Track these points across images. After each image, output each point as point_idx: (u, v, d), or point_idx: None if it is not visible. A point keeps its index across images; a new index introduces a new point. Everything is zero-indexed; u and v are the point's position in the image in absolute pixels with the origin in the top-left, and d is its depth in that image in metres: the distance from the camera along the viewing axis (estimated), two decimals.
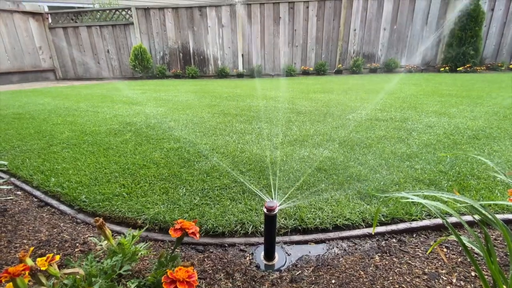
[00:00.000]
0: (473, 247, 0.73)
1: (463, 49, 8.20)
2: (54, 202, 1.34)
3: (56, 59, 9.77)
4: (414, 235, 1.06)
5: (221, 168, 1.61)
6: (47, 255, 0.60)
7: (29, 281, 0.53)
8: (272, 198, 1.21)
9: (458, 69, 8.29)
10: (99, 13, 9.38)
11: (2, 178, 1.62)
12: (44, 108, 3.71)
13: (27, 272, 0.52)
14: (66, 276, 0.57)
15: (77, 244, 0.94)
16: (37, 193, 1.44)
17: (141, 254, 0.70)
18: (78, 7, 10.25)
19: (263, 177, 1.47)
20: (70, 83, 8.28)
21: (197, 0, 13.05)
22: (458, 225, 1.09)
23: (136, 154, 1.89)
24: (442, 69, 8.74)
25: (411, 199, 0.90)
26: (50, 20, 9.40)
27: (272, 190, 1.29)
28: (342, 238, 1.00)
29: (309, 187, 1.34)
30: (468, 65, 8.15)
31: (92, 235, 1.01)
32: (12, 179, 1.62)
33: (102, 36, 9.46)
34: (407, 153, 1.80)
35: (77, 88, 6.50)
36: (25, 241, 0.94)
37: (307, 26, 9.18)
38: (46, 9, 9.45)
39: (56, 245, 0.93)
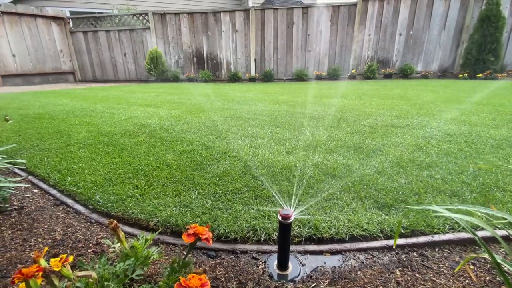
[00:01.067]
0: (505, 265, 0.68)
1: (483, 55, 7.92)
2: (69, 201, 1.36)
3: (76, 62, 10.15)
4: (437, 249, 1.00)
5: (234, 172, 1.60)
6: (61, 255, 0.60)
7: (42, 281, 0.53)
8: (286, 205, 1.18)
9: (477, 75, 8.00)
10: (117, 18, 9.70)
11: (21, 176, 1.67)
12: (63, 109, 3.83)
13: (40, 273, 0.51)
14: (79, 278, 0.56)
15: (90, 245, 0.94)
16: (54, 191, 1.47)
17: (153, 258, 0.68)
18: (98, 13, 10.65)
19: (275, 183, 1.44)
20: (88, 85, 8.56)
21: (212, 6, 13.29)
22: (487, 241, 1.02)
23: (150, 155, 1.91)
24: (461, 75, 8.47)
25: (442, 213, 0.84)
26: (71, 25, 9.80)
27: (286, 196, 1.26)
28: (360, 250, 0.96)
29: (324, 194, 1.29)
30: (488, 72, 7.85)
31: (105, 235, 1.02)
32: (30, 177, 1.66)
33: (120, 40, 9.76)
34: (426, 162, 1.73)
35: (94, 90, 6.71)
36: (40, 239, 0.95)
37: (321, 31, 9.14)
38: (68, 14, 9.86)
39: (70, 245, 0.93)
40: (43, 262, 0.56)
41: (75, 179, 1.54)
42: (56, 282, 0.53)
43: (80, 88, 7.34)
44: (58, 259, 0.60)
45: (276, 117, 3.14)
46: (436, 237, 1.02)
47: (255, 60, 9.57)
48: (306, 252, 0.95)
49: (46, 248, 0.61)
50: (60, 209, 1.29)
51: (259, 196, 1.29)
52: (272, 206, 1.19)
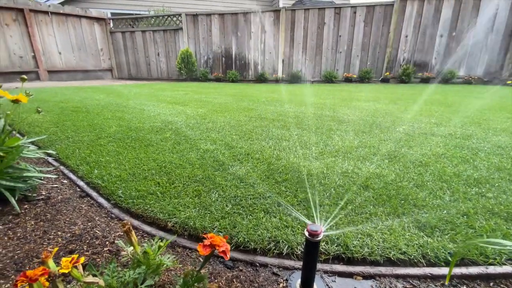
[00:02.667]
0: None
1: None
2: (94, 194, 1.38)
3: (114, 60, 10.78)
4: (491, 284, 0.84)
5: (256, 175, 1.52)
6: (72, 256, 0.57)
7: (48, 286, 0.49)
8: (311, 215, 1.08)
9: None
10: (153, 19, 10.14)
11: (53, 165, 1.74)
12: (98, 104, 4.04)
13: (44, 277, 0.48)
14: (85, 285, 0.53)
15: (107, 243, 0.92)
16: (81, 183, 1.51)
17: (166, 266, 0.63)
18: (136, 14, 11.22)
19: (300, 190, 1.34)
20: (123, 82, 9.04)
21: (243, 7, 13.40)
22: None
23: (174, 153, 1.90)
24: (510, 82, 7.64)
25: None
26: (111, 25, 10.43)
27: (311, 206, 1.16)
28: (397, 276, 0.83)
29: (355, 207, 1.17)
30: None
31: (122, 234, 1.00)
32: (61, 167, 1.73)
33: (154, 40, 10.19)
34: (474, 177, 1.52)
35: (128, 87, 7.05)
36: (59, 233, 0.95)
37: (353, 32, 8.78)
38: (109, 15, 10.51)
39: (87, 241, 0.92)
40: (51, 264, 0.53)
41: (101, 172, 1.57)
42: (61, 287, 0.50)
43: (116, 85, 7.76)
44: (69, 259, 0.57)
45: (303, 119, 3.02)
46: (491, 269, 0.86)
47: (283, 61, 9.45)
48: (334, 273, 0.84)
49: (56, 249, 0.59)
50: (85, 201, 1.31)
51: (282, 203, 1.20)
52: (296, 216, 1.10)
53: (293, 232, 0.99)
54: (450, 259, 0.89)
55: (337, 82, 8.97)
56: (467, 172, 1.59)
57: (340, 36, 8.89)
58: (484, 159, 1.81)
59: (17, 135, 2.39)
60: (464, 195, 1.31)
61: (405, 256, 0.89)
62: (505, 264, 0.88)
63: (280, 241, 0.94)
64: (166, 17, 9.93)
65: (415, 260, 0.88)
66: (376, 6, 8.40)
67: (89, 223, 1.05)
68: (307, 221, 1.04)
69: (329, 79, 8.88)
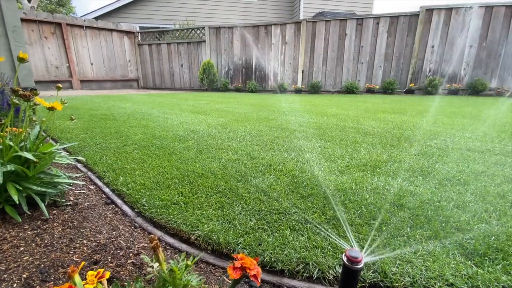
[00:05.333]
0: None
1: None
2: (118, 201, 1.39)
3: (140, 71, 11.32)
4: None
5: (280, 188, 1.47)
6: (98, 270, 0.54)
7: None
8: (342, 235, 1.01)
9: None
10: (178, 32, 10.60)
11: (82, 171, 1.79)
12: (125, 112, 4.21)
13: None
14: None
15: (131, 254, 0.90)
16: (107, 189, 1.53)
17: (192, 287, 0.59)
18: (162, 27, 11.80)
19: (328, 206, 1.26)
20: (148, 92, 9.42)
21: (264, 19, 13.69)
22: None
23: (196, 162, 1.90)
24: None
25: None
26: (139, 38, 11.02)
27: (341, 225, 1.08)
28: None
29: (390, 228, 1.08)
30: None
31: (146, 245, 0.98)
32: (89, 173, 1.77)
33: (178, 52, 10.62)
34: None
35: (153, 96, 7.32)
36: (85, 241, 0.95)
37: (376, 43, 8.62)
38: (137, 29, 11.13)
39: (112, 251, 0.90)
40: (77, 280, 0.51)
41: (126, 179, 1.59)
42: None
43: (142, 94, 8.10)
44: (95, 273, 0.55)
45: (325, 131, 2.94)
46: None
47: (302, 71, 9.44)
48: None
49: (83, 263, 0.58)
50: (110, 208, 1.32)
51: (310, 221, 1.13)
52: (326, 235, 1.03)
53: (323, 253, 0.92)
54: None
55: (358, 93, 8.78)
56: None
57: (362, 46, 8.77)
58: None
59: (51, 140, 2.52)
60: None
61: None
62: None
63: (310, 263, 0.87)
64: (190, 30, 10.34)
65: None
66: (400, 16, 8.24)
67: (114, 232, 1.05)
68: (345, 245, 0.97)
69: (350, 90, 8.72)
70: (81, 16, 11.58)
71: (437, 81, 7.93)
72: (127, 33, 10.61)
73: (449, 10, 7.78)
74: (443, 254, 0.92)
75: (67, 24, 8.83)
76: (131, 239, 1.02)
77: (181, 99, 6.48)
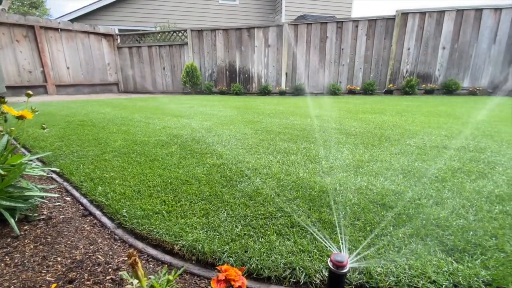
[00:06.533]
0: None
1: None
2: (97, 213, 1.32)
3: (120, 74, 10.99)
4: None
5: (265, 192, 1.46)
6: None
7: None
8: (328, 237, 1.01)
9: None
10: (159, 35, 10.40)
11: (57, 182, 1.70)
12: (104, 117, 4.05)
13: None
14: None
15: (110, 270, 0.85)
16: (84, 200, 1.46)
17: None
18: (143, 30, 11.54)
19: (313, 209, 1.27)
20: (129, 96, 9.15)
21: (246, 22, 13.74)
22: None
23: (180, 168, 1.85)
24: None
25: None
26: (118, 41, 10.70)
27: (327, 227, 1.08)
28: None
29: (373, 228, 1.10)
30: None
31: (126, 259, 0.93)
32: (65, 183, 1.68)
33: (160, 54, 10.41)
34: (496, 194, 1.44)
35: (134, 100, 7.11)
36: (59, 258, 0.89)
37: (356, 45, 8.88)
38: (117, 31, 10.81)
39: (89, 268, 0.85)
40: None
41: (105, 189, 1.52)
42: None
43: (122, 98, 7.85)
44: None
45: (309, 132, 2.97)
46: None
47: (286, 74, 9.54)
48: None
49: (53, 286, 0.54)
50: (87, 220, 1.25)
51: (296, 224, 1.13)
52: (312, 238, 1.02)
53: (310, 257, 0.92)
54: None
55: (340, 94, 8.98)
56: (487, 188, 1.51)
57: (342, 49, 8.99)
58: (502, 174, 1.73)
59: (22, 149, 2.38)
60: (489, 214, 1.22)
61: (435, 286, 0.81)
62: None
63: (297, 268, 0.87)
64: (172, 32, 10.17)
65: None
66: (377, 20, 8.53)
67: (91, 247, 0.99)
68: (332, 248, 0.97)
69: (332, 91, 8.90)
70: (56, 19, 11.08)
71: (413, 82, 8.26)
72: (106, 35, 10.27)
73: (423, 14, 8.16)
74: (425, 251, 0.95)
75: (41, 27, 8.42)
76: (111, 253, 0.97)
77: (163, 103, 6.35)
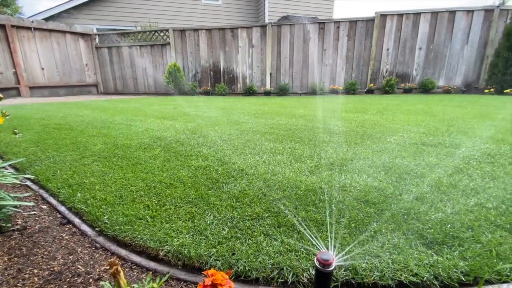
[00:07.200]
0: None
1: (510, 70, 7.54)
2: (76, 221, 1.26)
3: (99, 75, 10.59)
4: None
5: (252, 192, 1.46)
6: None
7: None
8: (314, 236, 1.02)
9: (505, 91, 7.58)
10: (140, 34, 10.13)
11: (32, 189, 1.61)
12: (82, 120, 3.89)
13: None
14: None
15: (91, 280, 0.82)
16: (62, 208, 1.39)
17: None
18: (122, 29, 11.18)
19: (300, 207, 1.28)
20: (109, 97, 8.85)
21: (230, 22, 13.69)
22: None
23: (164, 171, 1.81)
24: (487, 90, 8.06)
25: None
26: (97, 40, 10.32)
27: (314, 226, 1.10)
28: None
29: (358, 225, 1.12)
30: None
31: (108, 267, 0.89)
32: (41, 191, 1.59)
33: (141, 55, 10.14)
34: (471, 187, 1.51)
35: (114, 102, 6.88)
36: (36, 270, 0.84)
37: (338, 46, 9.07)
38: (95, 31, 10.42)
39: (68, 279, 0.81)
40: None
41: (85, 195, 1.46)
42: None
43: (102, 100, 7.57)
44: None
45: (294, 132, 3.00)
46: (505, 287, 0.82)
47: (270, 74, 9.59)
48: None
49: None
50: (66, 229, 1.19)
51: (283, 224, 1.13)
52: (298, 237, 1.03)
53: (297, 256, 0.92)
54: (463, 278, 0.84)
55: (324, 94, 9.15)
56: (463, 182, 1.59)
57: (325, 50, 9.16)
58: (477, 168, 1.83)
59: None
60: (465, 206, 1.29)
61: (417, 278, 0.84)
62: None
63: (284, 267, 0.87)
64: (153, 32, 9.94)
65: (428, 282, 0.83)
66: (358, 21, 8.77)
67: (71, 256, 0.94)
68: (319, 245, 0.98)
69: (316, 91, 9.05)
70: (29, 17, 10.51)
71: (393, 81, 8.58)
72: (83, 35, 9.87)
73: (400, 15, 8.48)
74: (407, 245, 0.98)
75: (13, 26, 7.96)
76: (91, 262, 0.92)
77: (145, 104, 6.19)
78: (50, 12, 11.38)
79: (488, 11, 7.94)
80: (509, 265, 0.86)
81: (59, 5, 11.46)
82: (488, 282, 0.84)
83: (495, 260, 0.91)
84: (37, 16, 11.14)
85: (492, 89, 7.87)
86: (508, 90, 7.45)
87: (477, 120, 3.61)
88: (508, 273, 0.86)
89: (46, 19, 10.57)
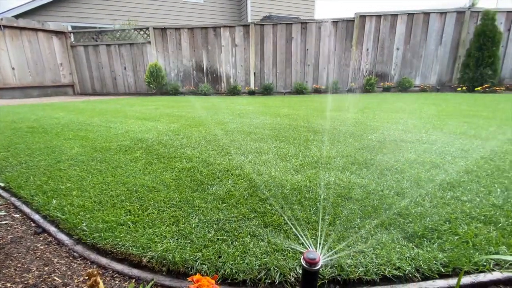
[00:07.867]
0: None
1: (480, 69, 8.01)
2: (52, 229, 1.19)
3: (75, 75, 10.12)
4: None
5: (238, 193, 1.44)
6: None
7: None
8: (301, 235, 1.03)
9: (476, 89, 8.05)
10: (118, 33, 9.78)
11: (3, 197, 1.51)
12: (58, 122, 3.70)
13: None
14: None
15: None
16: (36, 216, 1.31)
17: None
18: (99, 27, 10.74)
19: (286, 207, 1.28)
20: (87, 98, 8.48)
21: (212, 21, 13.55)
22: None
23: (146, 174, 1.75)
24: (459, 89, 8.52)
25: None
26: (72, 39, 9.85)
27: (300, 224, 1.10)
28: None
29: (342, 222, 1.14)
30: (486, 86, 7.90)
31: (87, 277, 0.85)
32: (12, 199, 1.50)
33: (120, 54, 9.79)
34: (447, 181, 1.59)
35: (92, 103, 6.61)
36: (9, 284, 0.78)
37: (319, 46, 9.23)
38: (70, 29, 9.93)
39: None
40: None
41: (61, 202, 1.38)
42: None
43: (79, 101, 7.24)
44: None
45: (279, 131, 3.01)
46: (482, 276, 0.87)
47: (254, 73, 9.60)
48: None
49: None
50: (41, 239, 1.12)
51: (269, 224, 1.13)
52: (285, 237, 1.03)
53: (283, 256, 0.92)
54: (443, 270, 0.88)
55: (307, 93, 9.29)
56: (439, 177, 1.66)
57: (307, 49, 9.29)
58: (452, 163, 1.92)
59: None
60: (442, 200, 1.35)
61: (399, 272, 0.86)
62: (494, 270, 0.89)
63: (271, 268, 0.87)
64: (133, 30, 9.64)
65: (410, 275, 0.86)
66: (338, 22, 8.96)
67: (46, 268, 0.89)
68: (305, 243, 0.98)
69: (299, 90, 9.17)
70: None
71: (373, 80, 8.86)
72: (57, 33, 9.38)
73: (378, 17, 8.76)
74: (389, 240, 1.01)
75: None
76: (69, 273, 0.88)
77: (126, 105, 5.99)
78: (22, 9, 10.73)
79: (460, 13, 8.38)
80: (486, 256, 0.91)
81: (31, 1, 10.83)
82: (466, 272, 0.88)
83: (471, 251, 0.95)
84: (7, 13, 10.47)
85: (464, 87, 8.32)
86: (478, 88, 7.92)
87: (452, 117, 3.80)
88: (484, 263, 0.91)
89: (17, 16, 9.95)
